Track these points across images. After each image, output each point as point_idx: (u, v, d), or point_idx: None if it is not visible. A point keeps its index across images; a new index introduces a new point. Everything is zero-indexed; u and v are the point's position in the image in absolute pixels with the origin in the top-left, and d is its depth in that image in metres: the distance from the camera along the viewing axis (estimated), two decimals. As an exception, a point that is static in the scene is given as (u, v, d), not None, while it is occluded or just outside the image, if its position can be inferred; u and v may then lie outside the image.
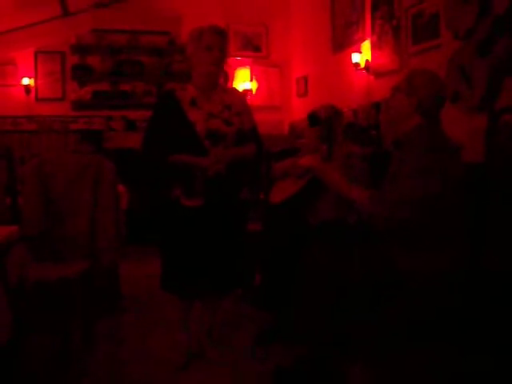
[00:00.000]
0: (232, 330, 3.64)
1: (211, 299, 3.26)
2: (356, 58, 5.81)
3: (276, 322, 3.42)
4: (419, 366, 2.40)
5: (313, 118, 3.55)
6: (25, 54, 7.42)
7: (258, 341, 3.39)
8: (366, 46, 5.73)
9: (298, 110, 7.57)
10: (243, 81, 7.80)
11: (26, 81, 7.34)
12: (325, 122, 3.48)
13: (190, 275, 3.01)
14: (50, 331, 3.25)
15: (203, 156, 2.94)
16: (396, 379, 2.49)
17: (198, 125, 2.96)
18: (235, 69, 7.83)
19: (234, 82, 7.78)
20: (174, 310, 3.32)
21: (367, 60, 5.69)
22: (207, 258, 2.99)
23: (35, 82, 7.45)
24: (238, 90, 3.58)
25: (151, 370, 3.10)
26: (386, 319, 2.44)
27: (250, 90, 7.82)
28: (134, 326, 3.81)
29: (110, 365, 3.16)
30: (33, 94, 7.45)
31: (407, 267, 2.42)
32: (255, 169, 3.30)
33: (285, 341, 3.28)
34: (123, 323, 3.86)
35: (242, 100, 3.23)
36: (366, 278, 2.49)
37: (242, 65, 7.87)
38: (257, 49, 8.01)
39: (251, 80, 7.88)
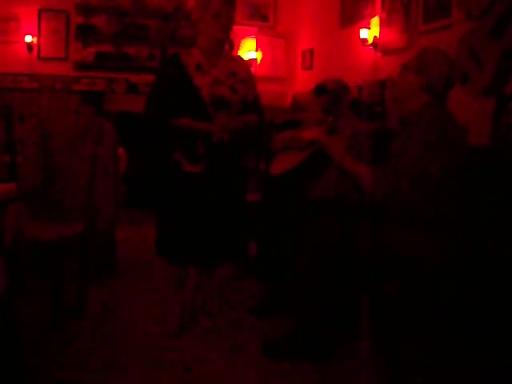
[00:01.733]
0: (227, 301, 3.64)
1: (206, 267, 3.25)
2: (364, 33, 5.73)
3: (272, 294, 3.43)
4: (415, 347, 2.41)
5: (320, 88, 3.52)
6: (29, 11, 7.29)
7: (253, 312, 3.40)
8: (375, 22, 5.65)
9: (303, 82, 7.50)
10: (248, 50, 7.71)
11: (28, 38, 7.23)
12: (331, 92, 3.45)
13: (186, 241, 3.00)
14: (43, 291, 3.24)
15: (206, 122, 2.92)
16: (391, 360, 2.50)
17: (204, 90, 2.94)
18: (241, 37, 7.73)
19: (239, 51, 7.69)
20: (168, 277, 3.32)
21: (375, 36, 5.61)
22: (204, 225, 2.98)
23: (38, 39, 7.35)
24: (242, 59, 3.54)
25: (143, 336, 3.10)
26: (382, 299, 2.44)
27: (255, 60, 7.73)
28: (127, 291, 3.81)
29: (102, 329, 3.17)
30: (35, 52, 7.34)
31: (406, 247, 2.41)
32: (256, 139, 3.28)
33: (280, 313, 3.30)
34: (117, 288, 3.86)
35: (246, 68, 3.21)
36: (364, 256, 2.49)
37: (248, 34, 7.77)
38: (264, 18, 7.91)
39: (256, 50, 7.79)
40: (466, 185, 2.49)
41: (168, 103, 2.95)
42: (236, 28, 7.77)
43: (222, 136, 2.90)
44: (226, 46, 3.14)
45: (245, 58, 7.44)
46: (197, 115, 2.93)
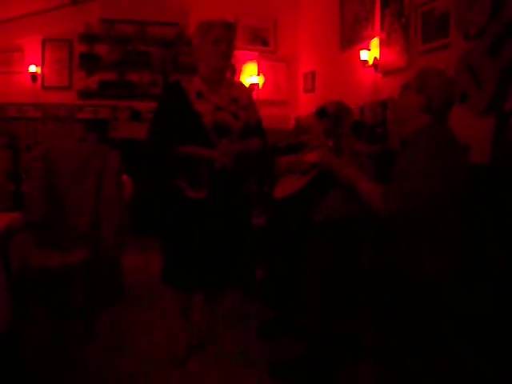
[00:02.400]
0: (233, 324, 3.63)
1: (212, 292, 3.25)
2: (364, 55, 5.78)
3: (278, 317, 3.42)
4: (423, 366, 2.39)
5: (321, 111, 3.54)
6: (32, 41, 7.39)
7: (260, 335, 3.39)
8: (375, 43, 5.70)
9: (305, 105, 7.55)
10: (250, 75, 7.78)
11: (32, 68, 7.31)
12: (333, 115, 3.47)
13: (192, 268, 3.00)
14: (50, 320, 3.25)
15: (209, 148, 2.94)
16: (400, 379, 2.48)
17: (206, 117, 2.95)
18: (242, 62, 7.80)
19: (241, 76, 7.76)
20: (175, 302, 3.32)
21: (375, 57, 5.65)
22: (209, 251, 2.98)
23: (42, 69, 7.43)
24: (244, 85, 3.58)
25: (151, 361, 3.10)
26: (389, 319, 2.43)
27: (257, 84, 7.79)
28: (134, 317, 3.81)
29: (110, 355, 3.16)
30: (39, 82, 7.42)
31: (412, 266, 2.41)
32: (259, 163, 3.29)
33: (286, 336, 3.28)
34: (124, 314, 3.86)
35: (248, 94, 3.23)
36: (370, 276, 2.48)
37: (250, 59, 7.85)
38: (264, 43, 7.98)
39: (258, 74, 7.86)
40: (470, 201, 2.49)
41: (170, 130, 2.96)
42: (237, 53, 7.91)
43: (225, 162, 2.91)
44: (227, 72, 3.16)
45: (247, 83, 7.54)
46: (199, 142, 2.94)
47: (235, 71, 7.70)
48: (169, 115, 3.00)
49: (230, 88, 3.10)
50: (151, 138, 3.04)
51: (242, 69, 7.82)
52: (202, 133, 2.95)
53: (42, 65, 7.43)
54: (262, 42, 7.97)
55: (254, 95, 7.42)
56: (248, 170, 3.12)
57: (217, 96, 3.02)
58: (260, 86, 7.86)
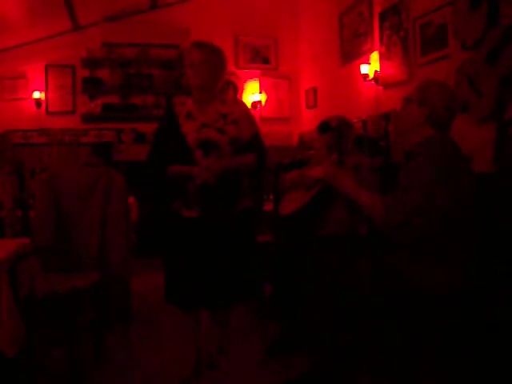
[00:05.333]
0: (243, 342, 3.62)
1: (218, 311, 3.25)
2: (365, 69, 5.82)
3: (286, 333, 3.41)
4: (428, 380, 2.38)
5: (323, 126, 3.55)
6: (36, 68, 7.47)
7: (269, 352, 3.38)
8: (375, 56, 5.74)
9: (308, 121, 7.58)
10: (252, 93, 7.82)
11: (36, 94, 7.39)
12: (335, 129, 3.48)
13: (192, 286, 3.01)
14: (60, 343, 3.25)
15: (193, 166, 2.98)
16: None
17: (190, 136, 3.01)
18: (244, 81, 7.86)
19: (243, 94, 7.81)
20: (182, 323, 3.31)
21: (376, 71, 5.69)
22: (208, 270, 2.99)
23: (46, 95, 7.51)
24: (238, 100, 3.60)
25: (160, 382, 3.09)
26: (394, 332, 2.42)
27: (260, 102, 7.84)
28: (143, 338, 3.81)
29: (120, 377, 3.16)
30: (43, 108, 7.49)
31: (416, 279, 2.40)
32: (256, 177, 3.28)
33: (295, 352, 3.27)
34: (132, 336, 3.86)
35: (240, 109, 3.19)
36: (374, 290, 2.47)
37: (251, 77, 7.90)
38: (265, 61, 8.04)
39: (260, 92, 7.90)
40: (474, 211, 2.49)
41: (162, 155, 3.05)
42: (239, 72, 7.97)
43: (205, 178, 2.93)
44: (215, 90, 3.15)
45: (249, 101, 7.58)
46: (186, 161, 3.00)
47: (237, 90, 7.75)
48: (161, 140, 3.11)
49: (219, 105, 3.12)
50: (148, 162, 3.13)
51: (244, 87, 7.87)
52: (187, 152, 3.00)
53: (46, 90, 7.51)
54: (263, 60, 8.03)
55: (257, 113, 7.49)
56: (239, 186, 3.12)
57: (205, 114, 3.07)
58: (263, 103, 7.90)
